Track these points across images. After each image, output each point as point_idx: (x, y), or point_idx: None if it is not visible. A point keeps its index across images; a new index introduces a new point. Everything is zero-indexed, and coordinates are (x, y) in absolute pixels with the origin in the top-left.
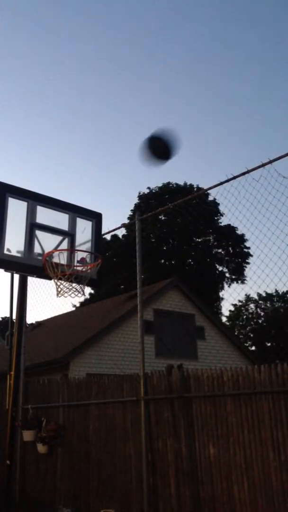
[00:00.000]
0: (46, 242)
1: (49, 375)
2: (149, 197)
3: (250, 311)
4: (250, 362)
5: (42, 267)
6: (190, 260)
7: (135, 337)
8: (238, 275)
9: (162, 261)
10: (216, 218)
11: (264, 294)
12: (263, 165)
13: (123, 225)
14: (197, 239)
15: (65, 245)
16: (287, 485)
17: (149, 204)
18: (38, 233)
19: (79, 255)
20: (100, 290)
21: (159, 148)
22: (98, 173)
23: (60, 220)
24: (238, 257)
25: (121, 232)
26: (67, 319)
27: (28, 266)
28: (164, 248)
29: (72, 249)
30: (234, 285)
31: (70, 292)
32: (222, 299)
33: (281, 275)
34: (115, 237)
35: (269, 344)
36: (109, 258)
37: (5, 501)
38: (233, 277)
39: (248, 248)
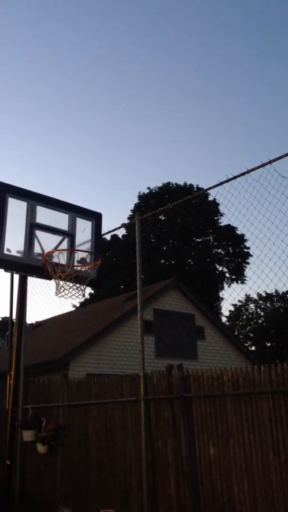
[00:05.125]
0: (46, 242)
1: (49, 375)
2: (149, 197)
3: (250, 311)
4: (250, 362)
5: (42, 267)
6: (190, 260)
7: (135, 337)
8: (238, 275)
9: (162, 261)
10: (216, 218)
11: (264, 294)
12: (263, 165)
13: (123, 225)
14: (197, 239)
15: (65, 245)
16: (287, 485)
17: (149, 204)
18: (38, 233)
19: (79, 255)
20: (100, 290)
21: None
22: (98, 173)
23: (60, 220)
24: (238, 257)
25: (121, 232)
26: (67, 319)
27: (28, 266)
28: (164, 248)
29: (72, 249)
30: (234, 285)
31: (70, 292)
32: (222, 299)
33: (281, 275)
34: (115, 237)
35: (269, 344)
36: (109, 258)
37: (5, 501)
38: (233, 277)
39: (248, 248)
